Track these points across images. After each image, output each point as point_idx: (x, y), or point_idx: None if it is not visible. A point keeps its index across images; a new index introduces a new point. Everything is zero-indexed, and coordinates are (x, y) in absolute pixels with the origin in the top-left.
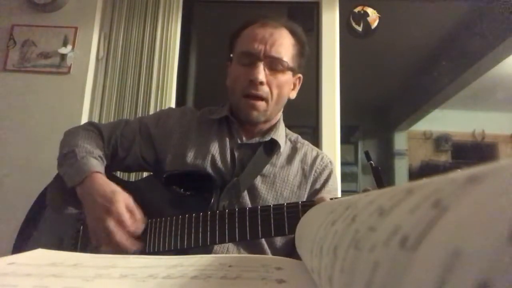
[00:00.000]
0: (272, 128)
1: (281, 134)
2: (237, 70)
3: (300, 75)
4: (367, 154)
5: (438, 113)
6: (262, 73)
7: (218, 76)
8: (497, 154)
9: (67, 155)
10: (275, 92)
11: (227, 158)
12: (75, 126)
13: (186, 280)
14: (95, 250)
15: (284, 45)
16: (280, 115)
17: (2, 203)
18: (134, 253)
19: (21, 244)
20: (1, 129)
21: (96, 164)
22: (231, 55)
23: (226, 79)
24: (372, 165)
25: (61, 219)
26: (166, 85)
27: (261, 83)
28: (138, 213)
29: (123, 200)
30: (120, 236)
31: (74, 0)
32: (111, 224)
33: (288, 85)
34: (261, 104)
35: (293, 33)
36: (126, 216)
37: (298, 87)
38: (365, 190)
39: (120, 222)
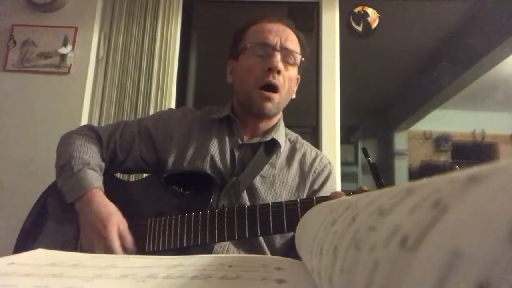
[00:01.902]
0: (273, 127)
1: (282, 134)
2: (251, 61)
3: (299, 76)
4: (365, 151)
5: (438, 113)
6: (280, 62)
7: (218, 76)
8: (497, 154)
9: (64, 167)
10: (286, 84)
11: (226, 158)
12: (71, 130)
13: (186, 280)
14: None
15: (294, 41)
16: (280, 114)
17: (2, 203)
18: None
19: (23, 247)
20: (1, 129)
21: (94, 177)
22: (237, 52)
23: (225, 78)
24: (370, 162)
25: (62, 227)
26: (166, 85)
27: (279, 72)
28: (129, 241)
29: (117, 225)
30: None
31: (74, 0)
32: (100, 250)
33: (295, 81)
34: (276, 96)
35: (297, 34)
36: (115, 244)
37: (296, 88)
38: (359, 189)
39: (110, 250)
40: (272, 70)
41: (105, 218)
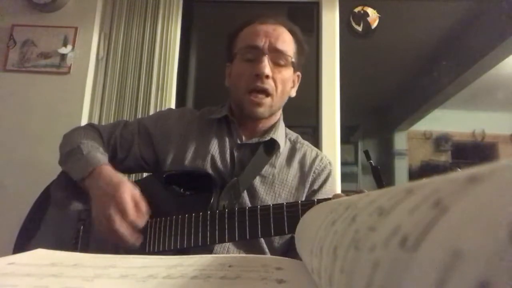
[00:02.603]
0: (272, 127)
1: (281, 134)
2: (240, 67)
3: (299, 73)
4: (366, 153)
5: (438, 113)
6: (268, 67)
7: (218, 76)
8: (497, 154)
9: (72, 151)
10: (279, 87)
11: (226, 158)
12: (73, 128)
13: (186, 280)
14: (96, 246)
15: (286, 41)
16: (280, 114)
17: (2, 203)
18: (133, 251)
19: (23, 244)
20: (1, 129)
21: (103, 158)
22: (231, 55)
23: (224, 80)
24: (371, 165)
25: (62, 219)
26: (166, 85)
27: (267, 76)
28: (143, 206)
29: (129, 190)
30: (119, 223)
31: (74, 0)
32: (113, 210)
33: (289, 81)
34: (267, 101)
35: (291, 31)
36: (129, 205)
37: (297, 85)
38: (359, 192)
39: (122, 210)
40: (260, 76)
41: (117, 183)
